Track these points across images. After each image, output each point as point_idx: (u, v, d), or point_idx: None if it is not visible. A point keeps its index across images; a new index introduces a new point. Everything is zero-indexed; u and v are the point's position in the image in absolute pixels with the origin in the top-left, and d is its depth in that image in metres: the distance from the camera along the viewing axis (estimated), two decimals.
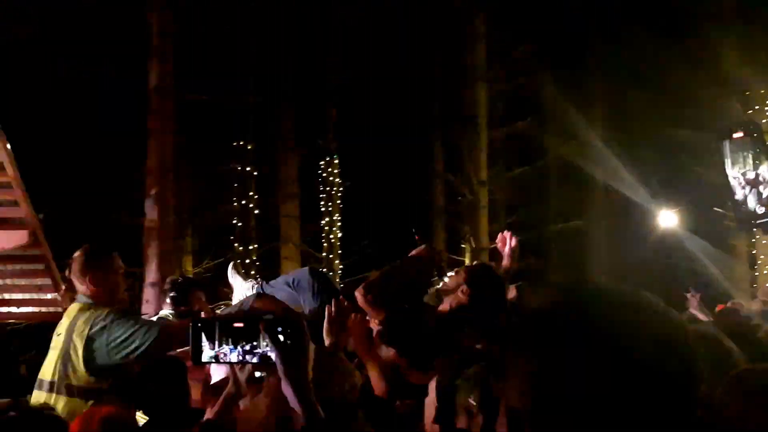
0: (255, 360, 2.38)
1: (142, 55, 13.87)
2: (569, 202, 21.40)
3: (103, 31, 16.12)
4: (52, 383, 4.29)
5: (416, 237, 5.25)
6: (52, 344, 4.41)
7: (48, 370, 4.33)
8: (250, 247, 17.75)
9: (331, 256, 20.03)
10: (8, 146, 7.68)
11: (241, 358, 2.39)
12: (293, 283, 4.88)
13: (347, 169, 20.69)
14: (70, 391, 4.22)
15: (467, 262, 18.48)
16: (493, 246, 6.25)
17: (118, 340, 4.19)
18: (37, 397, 4.34)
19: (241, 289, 5.30)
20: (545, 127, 19.40)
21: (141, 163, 13.66)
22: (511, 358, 1.22)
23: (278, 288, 5.00)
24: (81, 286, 4.42)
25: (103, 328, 4.22)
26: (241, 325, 2.40)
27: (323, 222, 20.18)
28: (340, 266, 20.17)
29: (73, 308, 4.42)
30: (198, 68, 16.99)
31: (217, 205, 18.79)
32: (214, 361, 2.45)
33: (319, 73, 20.62)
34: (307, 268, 5.25)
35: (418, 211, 19.91)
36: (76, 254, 4.48)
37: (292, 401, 2.22)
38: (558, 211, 21.26)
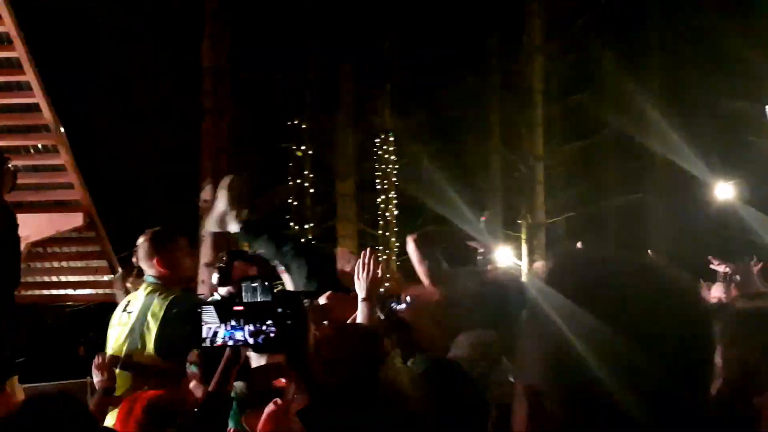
0: (259, 340, 2.40)
1: (197, 34, 13.93)
2: (627, 176, 21.05)
3: (158, 11, 16.27)
4: (117, 358, 4.40)
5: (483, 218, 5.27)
6: (118, 320, 4.54)
7: (115, 346, 4.46)
8: (307, 226, 17.80)
9: (387, 233, 20.02)
10: (62, 129, 7.80)
11: (247, 339, 2.42)
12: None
13: (402, 146, 20.60)
14: (135, 367, 4.33)
15: (523, 237, 18.31)
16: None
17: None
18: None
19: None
20: (602, 100, 19.05)
21: (198, 143, 13.76)
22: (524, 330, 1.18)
23: None
24: (150, 269, 4.56)
25: (180, 313, 4.31)
26: (241, 308, 2.42)
27: (379, 200, 20.14)
28: (396, 244, 20.15)
29: (143, 288, 4.55)
30: (254, 46, 17.03)
31: (273, 185, 18.88)
32: (214, 344, 2.48)
33: (375, 50, 20.52)
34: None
35: (474, 187, 19.73)
36: (141, 239, 4.63)
37: (295, 379, 2.25)
38: (616, 185, 20.92)
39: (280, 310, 2.34)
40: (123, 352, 4.38)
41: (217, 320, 2.47)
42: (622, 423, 1.05)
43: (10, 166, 3.31)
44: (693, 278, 1.19)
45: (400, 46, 20.58)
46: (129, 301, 4.61)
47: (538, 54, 18.55)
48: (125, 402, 3.79)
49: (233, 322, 2.45)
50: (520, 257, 17.42)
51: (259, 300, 2.56)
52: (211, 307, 2.49)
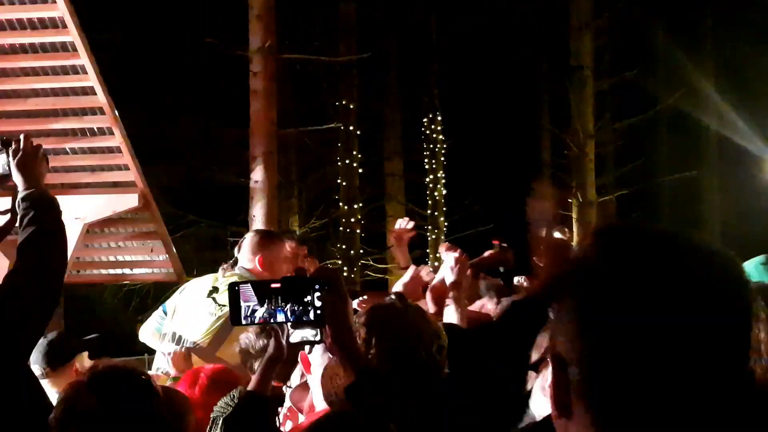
0: (299, 317, 2.38)
1: (243, 17, 13.99)
2: (681, 153, 20.74)
3: None
4: (195, 343, 4.39)
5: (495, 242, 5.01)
6: (204, 307, 4.47)
7: (197, 332, 4.41)
8: (355, 206, 17.84)
9: (435, 213, 19.98)
10: (116, 112, 7.88)
11: (286, 316, 2.39)
12: None
13: (451, 125, 20.52)
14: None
15: (574, 216, 18.15)
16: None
17: None
18: (169, 349, 4.42)
19: None
20: (654, 76, 18.73)
21: (248, 123, 13.84)
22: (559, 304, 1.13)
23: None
24: (247, 264, 4.65)
25: None
26: (278, 285, 2.39)
27: (427, 179, 20.11)
28: (445, 223, 20.11)
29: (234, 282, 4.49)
30: (299, 27, 17.04)
31: (322, 165, 18.95)
32: (254, 322, 2.47)
33: (421, 28, 20.44)
34: None
35: (523, 166, 19.60)
36: (250, 235, 4.88)
37: (340, 357, 2.23)
38: (669, 162, 20.62)
39: (318, 285, 2.31)
40: (208, 343, 4.36)
41: (255, 298, 2.44)
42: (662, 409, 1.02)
43: (42, 152, 3.29)
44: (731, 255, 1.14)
45: (446, 25, 20.45)
46: (217, 289, 4.53)
47: (587, 30, 18.26)
48: (189, 373, 3.82)
49: (271, 299, 2.42)
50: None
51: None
52: (248, 285, 2.47)
